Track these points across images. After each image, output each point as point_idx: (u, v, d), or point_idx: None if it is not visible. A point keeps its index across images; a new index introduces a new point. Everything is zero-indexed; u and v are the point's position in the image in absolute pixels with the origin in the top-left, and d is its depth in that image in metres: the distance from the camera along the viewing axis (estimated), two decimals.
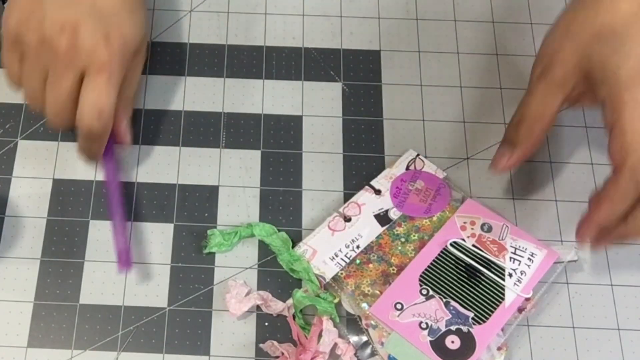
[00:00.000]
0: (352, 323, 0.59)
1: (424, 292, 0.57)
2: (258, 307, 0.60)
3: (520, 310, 0.58)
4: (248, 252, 0.62)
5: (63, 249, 0.62)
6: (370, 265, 0.60)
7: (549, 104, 0.56)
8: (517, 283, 0.57)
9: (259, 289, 0.61)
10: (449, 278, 0.58)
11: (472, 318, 0.56)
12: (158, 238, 0.62)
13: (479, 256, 0.59)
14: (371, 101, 0.68)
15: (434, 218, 0.62)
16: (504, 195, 0.64)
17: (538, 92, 0.56)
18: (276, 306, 0.59)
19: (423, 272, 0.58)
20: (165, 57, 0.69)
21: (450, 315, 0.56)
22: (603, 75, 0.53)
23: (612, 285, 0.61)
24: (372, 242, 0.61)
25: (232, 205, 0.63)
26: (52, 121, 0.59)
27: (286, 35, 0.71)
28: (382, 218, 0.62)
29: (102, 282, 0.61)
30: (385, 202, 0.63)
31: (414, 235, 0.61)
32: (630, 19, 0.52)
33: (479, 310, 0.57)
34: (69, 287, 0.61)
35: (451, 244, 0.59)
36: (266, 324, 0.60)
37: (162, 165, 0.65)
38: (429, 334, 0.55)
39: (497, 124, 0.67)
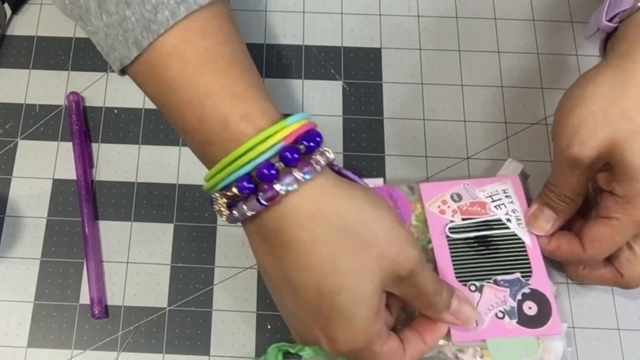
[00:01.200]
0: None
1: (472, 288, 0.58)
2: (258, 307, 0.60)
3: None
4: (248, 252, 0.62)
5: (63, 249, 0.62)
6: None
7: (582, 183, 0.56)
8: (518, 221, 0.59)
9: (258, 289, 0.61)
10: (474, 260, 0.58)
11: (520, 278, 0.57)
12: (158, 238, 0.62)
13: (474, 224, 0.59)
14: (372, 100, 0.68)
15: (414, 222, 0.61)
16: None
17: (569, 173, 0.55)
18: None
19: (455, 273, 0.58)
20: None
21: (507, 289, 0.57)
22: (623, 158, 0.52)
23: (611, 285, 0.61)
24: None
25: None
26: None
27: (286, 33, 0.71)
28: None
29: (102, 282, 0.61)
30: None
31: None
32: None
33: (518, 267, 0.58)
34: (69, 287, 0.61)
35: (449, 230, 0.60)
36: (268, 325, 0.60)
37: (162, 165, 0.65)
38: (509, 317, 0.56)
39: (499, 123, 0.66)
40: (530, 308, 0.56)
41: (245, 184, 0.46)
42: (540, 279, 0.57)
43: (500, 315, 0.56)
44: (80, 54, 0.69)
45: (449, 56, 0.70)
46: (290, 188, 0.45)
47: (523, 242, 0.58)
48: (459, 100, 0.68)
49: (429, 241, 0.60)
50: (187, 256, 0.62)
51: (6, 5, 0.70)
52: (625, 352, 0.59)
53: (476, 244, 0.59)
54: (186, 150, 0.65)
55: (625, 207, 0.52)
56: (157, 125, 0.66)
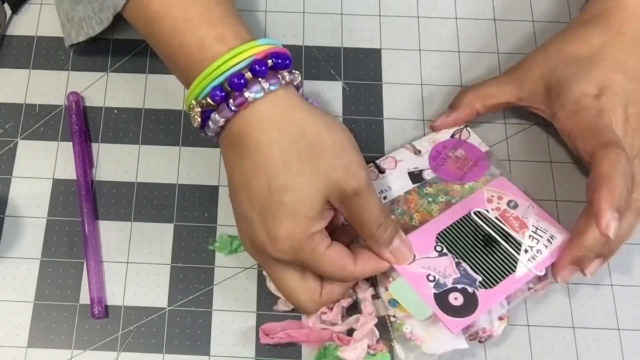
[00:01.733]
0: None
1: (439, 248, 0.58)
2: (258, 307, 0.60)
3: (530, 288, 0.58)
4: None
5: (63, 249, 0.62)
6: (393, 217, 0.61)
7: (504, 94, 0.63)
8: (531, 259, 0.57)
9: (258, 289, 0.61)
10: (465, 241, 0.58)
11: (480, 282, 0.56)
12: (158, 238, 0.62)
13: (499, 228, 0.59)
14: (372, 100, 0.68)
15: (466, 186, 0.62)
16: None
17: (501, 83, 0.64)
18: None
19: (442, 231, 0.59)
20: None
21: (459, 275, 0.57)
22: (559, 92, 0.60)
23: (612, 285, 0.61)
24: (399, 196, 0.62)
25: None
26: None
27: (286, 33, 0.71)
28: (416, 176, 0.63)
29: (101, 282, 0.61)
30: (422, 162, 0.64)
31: (442, 197, 0.62)
32: (596, 52, 0.60)
33: (488, 275, 0.57)
34: (69, 287, 0.61)
35: (475, 213, 0.60)
36: None
37: (162, 165, 0.65)
38: (434, 287, 0.56)
39: (499, 124, 0.66)
40: (456, 299, 0.56)
41: (217, 92, 0.51)
42: (490, 299, 0.56)
43: (432, 279, 0.56)
44: (80, 54, 0.69)
45: (448, 57, 0.70)
46: (257, 95, 0.51)
47: (514, 270, 0.57)
48: None
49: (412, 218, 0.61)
50: (187, 256, 0.62)
51: (6, 5, 0.70)
52: (625, 352, 0.59)
53: (480, 236, 0.58)
54: (186, 150, 0.65)
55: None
56: (157, 125, 0.66)
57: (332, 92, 0.68)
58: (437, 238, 0.58)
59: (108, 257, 0.62)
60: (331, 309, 0.58)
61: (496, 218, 0.59)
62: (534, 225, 0.59)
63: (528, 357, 0.59)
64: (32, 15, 0.71)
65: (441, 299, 0.56)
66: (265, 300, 0.60)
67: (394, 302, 0.57)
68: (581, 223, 0.56)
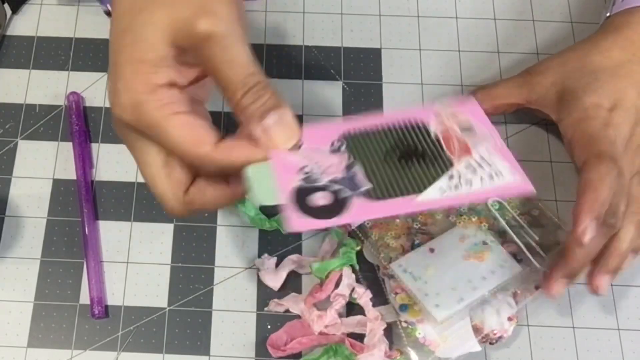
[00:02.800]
0: (370, 272, 0.60)
1: (337, 144, 0.46)
2: (258, 306, 0.60)
3: (537, 287, 0.58)
4: (248, 252, 0.62)
5: (63, 249, 0.62)
6: (397, 220, 0.61)
7: (514, 95, 0.63)
8: (452, 188, 0.44)
9: (258, 289, 0.61)
10: (376, 149, 0.46)
11: (366, 190, 0.44)
12: (158, 238, 0.62)
13: (430, 145, 0.46)
14: (372, 100, 0.68)
15: None
16: None
17: (512, 85, 0.64)
18: (308, 262, 0.61)
19: (353, 130, 0.47)
20: None
21: (341, 176, 0.45)
22: (570, 100, 0.59)
23: (612, 285, 0.61)
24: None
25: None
26: None
27: (286, 33, 0.71)
28: None
29: (101, 282, 0.61)
30: None
31: None
32: (614, 65, 0.59)
33: (380, 186, 0.44)
34: (69, 287, 0.61)
35: (411, 125, 0.47)
36: (268, 325, 0.60)
37: None
38: (302, 180, 0.44)
39: (499, 124, 0.66)
40: (322, 199, 0.43)
41: None
42: (369, 212, 0.44)
43: (306, 171, 0.44)
44: (80, 54, 0.69)
45: (448, 56, 0.70)
46: None
47: (420, 191, 0.44)
48: None
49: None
50: (187, 256, 0.62)
51: (6, 5, 0.70)
52: (625, 352, 0.59)
53: (400, 148, 0.46)
54: None
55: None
56: None
57: (332, 92, 0.68)
58: (342, 136, 0.46)
59: (108, 257, 0.62)
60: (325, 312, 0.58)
61: (434, 135, 0.47)
62: (480, 155, 0.46)
63: (528, 357, 0.59)
64: (32, 16, 0.71)
65: (302, 193, 0.44)
66: (265, 300, 0.60)
67: (404, 307, 0.57)
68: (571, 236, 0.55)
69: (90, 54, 0.69)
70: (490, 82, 0.66)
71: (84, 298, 0.60)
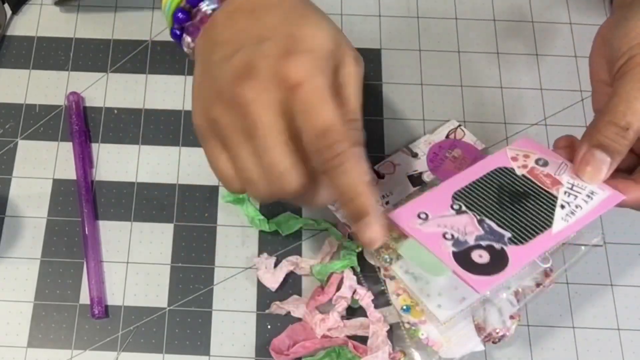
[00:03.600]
0: (372, 273, 0.60)
1: (456, 207, 0.50)
2: (258, 307, 0.60)
3: (538, 285, 0.58)
4: (248, 252, 0.62)
5: (63, 249, 0.62)
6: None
7: None
8: (570, 215, 0.49)
9: (258, 289, 0.61)
10: (488, 199, 0.51)
11: (509, 238, 0.48)
12: (158, 238, 0.62)
13: (528, 184, 0.51)
14: (372, 100, 0.68)
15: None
16: None
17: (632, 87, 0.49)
18: (307, 264, 0.61)
19: (460, 190, 0.51)
20: (165, 57, 0.69)
21: (482, 232, 0.49)
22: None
23: (612, 285, 0.61)
24: (401, 200, 0.62)
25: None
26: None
27: None
28: (415, 179, 0.63)
29: (101, 282, 0.61)
30: (420, 165, 0.64)
31: None
32: None
33: (518, 231, 0.49)
34: (69, 287, 0.61)
35: (498, 170, 0.52)
36: (268, 325, 0.60)
37: (162, 165, 0.65)
38: (453, 245, 0.48)
39: (498, 124, 0.66)
40: (480, 257, 0.48)
41: (180, 15, 0.51)
42: (523, 255, 0.48)
43: (449, 237, 0.49)
44: (80, 54, 0.69)
45: (448, 57, 0.70)
46: (212, 6, 0.50)
47: (549, 225, 0.49)
48: (459, 101, 0.68)
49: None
50: (187, 256, 0.62)
51: (6, 6, 0.70)
52: (625, 352, 0.59)
53: (507, 192, 0.51)
54: (186, 150, 0.65)
55: None
56: (157, 125, 0.66)
57: None
58: (453, 197, 0.51)
59: (108, 257, 0.62)
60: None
61: (523, 175, 0.52)
62: (569, 182, 0.50)
63: (528, 357, 0.59)
64: (32, 16, 0.71)
65: (462, 257, 0.48)
66: (265, 301, 0.60)
67: (406, 309, 0.57)
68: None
69: (90, 54, 0.69)
70: (488, 84, 0.67)
71: (84, 298, 0.60)
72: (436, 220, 0.50)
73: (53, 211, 0.63)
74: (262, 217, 0.62)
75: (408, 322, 0.57)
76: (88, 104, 0.67)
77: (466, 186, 0.52)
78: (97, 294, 0.60)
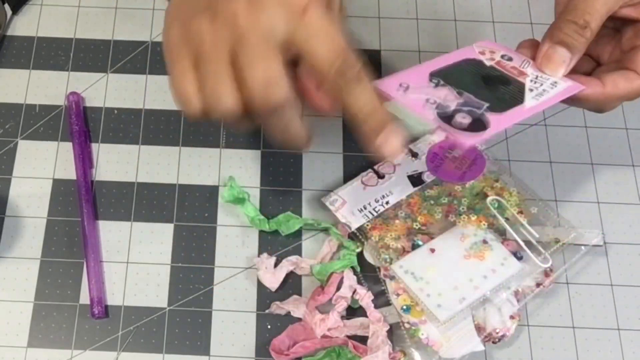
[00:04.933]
0: (372, 273, 0.60)
1: (435, 81, 0.53)
2: (258, 307, 0.60)
3: (539, 284, 0.58)
4: (248, 252, 0.62)
5: (63, 249, 0.62)
6: (397, 221, 0.61)
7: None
8: (538, 97, 0.52)
9: (259, 288, 0.61)
10: (464, 79, 0.53)
11: (487, 107, 0.51)
12: (158, 238, 0.62)
13: (497, 72, 0.54)
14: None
15: (467, 185, 0.63)
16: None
17: None
18: (307, 264, 0.61)
19: (435, 71, 0.53)
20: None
21: (462, 100, 0.51)
22: None
23: (612, 285, 0.61)
24: (401, 200, 0.62)
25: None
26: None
27: None
28: (415, 179, 0.63)
29: (101, 282, 0.61)
30: (420, 165, 0.64)
31: (444, 199, 0.62)
32: None
33: (495, 104, 0.51)
34: (69, 287, 0.61)
35: (467, 60, 0.55)
36: (268, 325, 0.60)
37: (162, 165, 0.65)
38: (436, 109, 0.51)
39: None
40: (464, 118, 0.50)
41: None
42: (501, 122, 0.50)
43: (432, 102, 0.51)
44: (80, 54, 0.69)
45: None
46: None
47: (522, 101, 0.51)
48: None
49: None
50: (187, 256, 0.62)
51: (6, 6, 0.70)
52: (625, 352, 0.59)
53: (479, 76, 0.54)
54: (186, 150, 0.65)
55: None
56: (157, 125, 0.66)
57: None
58: (430, 76, 0.53)
59: (108, 257, 0.62)
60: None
61: (491, 66, 0.55)
62: (533, 74, 0.54)
63: (528, 357, 0.59)
64: (33, 16, 0.71)
65: (446, 119, 0.50)
66: (265, 301, 0.60)
67: (406, 309, 0.57)
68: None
69: (90, 54, 0.69)
70: None
71: (84, 298, 0.60)
72: (417, 90, 0.52)
73: (53, 211, 0.63)
74: (262, 217, 0.62)
75: (408, 322, 0.57)
76: (88, 104, 0.67)
77: (441, 68, 0.54)
78: (97, 294, 0.60)
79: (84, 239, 0.61)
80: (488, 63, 0.55)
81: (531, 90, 0.52)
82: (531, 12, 0.72)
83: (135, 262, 0.62)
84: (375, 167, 0.64)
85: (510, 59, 0.55)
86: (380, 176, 0.63)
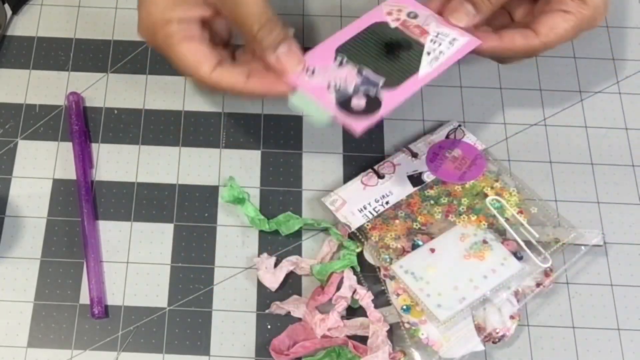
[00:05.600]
0: (372, 274, 0.60)
1: (339, 59, 0.57)
2: (258, 307, 0.60)
3: (539, 284, 0.58)
4: (248, 252, 0.62)
5: (63, 249, 0.62)
6: (397, 221, 0.61)
7: None
8: (434, 60, 0.57)
9: (259, 288, 0.61)
10: (367, 50, 0.58)
11: (382, 84, 0.56)
12: (158, 238, 0.62)
13: (400, 35, 0.58)
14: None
15: (467, 185, 0.62)
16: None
17: None
18: (307, 264, 0.61)
19: (342, 44, 0.58)
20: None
21: (360, 81, 0.56)
22: None
23: (612, 285, 0.61)
24: (401, 200, 0.62)
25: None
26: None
27: None
28: (415, 179, 0.63)
29: (101, 282, 0.61)
30: (420, 165, 0.64)
31: (444, 199, 0.62)
32: None
33: (390, 77, 0.56)
34: (69, 287, 0.61)
35: (374, 24, 0.59)
36: (268, 325, 0.60)
37: (162, 165, 0.65)
38: (336, 94, 0.55)
39: (498, 124, 0.67)
40: (359, 103, 0.55)
41: None
42: (394, 99, 0.55)
43: (332, 87, 0.56)
44: (80, 54, 0.69)
45: None
46: None
47: (417, 70, 0.56)
48: (458, 102, 0.68)
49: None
50: (187, 256, 0.62)
51: (6, 6, 0.70)
52: (625, 352, 0.59)
53: (382, 44, 0.58)
54: (186, 150, 0.65)
55: (582, 6, 0.57)
56: (157, 126, 0.66)
57: None
58: (337, 51, 0.58)
59: (108, 257, 0.62)
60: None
61: (396, 28, 0.59)
62: (435, 31, 0.58)
63: (528, 357, 0.59)
64: (33, 16, 0.71)
65: (343, 104, 0.55)
66: (265, 300, 0.60)
67: (406, 309, 0.57)
68: None
69: (90, 54, 0.69)
70: (488, 84, 0.67)
71: (84, 298, 0.60)
72: (321, 73, 0.56)
73: (53, 211, 0.63)
74: (262, 217, 0.62)
75: (408, 322, 0.57)
76: (88, 104, 0.67)
77: (347, 40, 0.58)
78: (97, 293, 0.60)
79: (84, 239, 0.61)
80: (393, 25, 0.59)
81: (429, 53, 0.57)
82: None
83: (135, 262, 0.62)
84: (375, 167, 0.64)
85: (415, 16, 0.59)
86: (380, 176, 0.63)
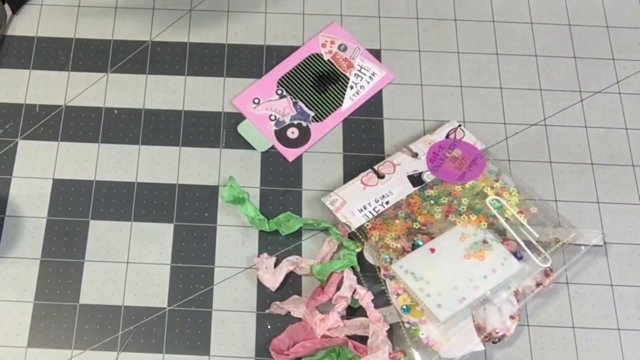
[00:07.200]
0: (372, 274, 0.60)
1: (279, 92, 0.67)
2: (258, 307, 0.60)
3: (539, 284, 0.58)
4: (248, 252, 0.62)
5: (63, 249, 0.62)
6: (397, 221, 0.61)
7: None
8: (355, 95, 0.68)
9: (259, 288, 0.61)
10: (302, 83, 0.67)
11: (313, 116, 0.67)
12: (158, 238, 0.62)
13: (331, 68, 0.68)
14: (371, 101, 0.68)
15: (467, 185, 0.62)
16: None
17: None
18: (307, 264, 0.61)
19: (283, 76, 0.68)
20: (165, 57, 0.69)
21: (295, 112, 0.67)
22: None
23: (612, 285, 0.61)
24: (401, 200, 0.62)
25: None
26: None
27: (286, 35, 0.71)
28: (415, 179, 0.63)
29: (102, 282, 0.61)
30: (420, 165, 0.64)
31: (444, 199, 0.62)
32: None
33: (319, 110, 0.67)
34: (69, 287, 0.61)
35: (310, 56, 0.69)
36: (268, 325, 0.60)
37: (162, 165, 0.65)
38: (275, 125, 0.66)
39: (498, 124, 0.67)
40: (293, 133, 0.66)
41: None
42: (320, 129, 0.66)
43: (273, 118, 0.67)
44: (80, 55, 0.69)
45: (447, 58, 0.70)
46: None
47: (340, 105, 0.67)
48: (459, 101, 0.68)
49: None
50: (187, 256, 0.62)
51: (6, 6, 0.70)
52: (625, 352, 0.59)
53: (315, 78, 0.68)
54: (186, 150, 0.65)
55: None
56: (157, 126, 0.66)
57: None
58: (278, 83, 0.68)
59: (108, 257, 0.62)
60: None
61: (329, 60, 0.69)
62: (359, 65, 0.69)
63: (528, 356, 0.59)
64: (33, 16, 0.71)
65: (280, 134, 0.66)
66: (265, 300, 0.60)
67: (407, 308, 0.57)
68: None
69: (90, 54, 0.69)
70: (488, 84, 0.67)
71: (84, 298, 0.60)
72: (265, 104, 0.67)
73: (53, 211, 0.63)
74: (262, 217, 0.62)
75: (408, 322, 0.57)
76: (88, 104, 0.67)
77: (287, 73, 0.68)
78: None
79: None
80: (326, 57, 0.69)
81: (352, 87, 0.68)
82: (531, 12, 0.72)
83: (135, 262, 0.62)
84: (375, 167, 0.64)
85: (345, 49, 0.70)
86: (380, 176, 0.63)
